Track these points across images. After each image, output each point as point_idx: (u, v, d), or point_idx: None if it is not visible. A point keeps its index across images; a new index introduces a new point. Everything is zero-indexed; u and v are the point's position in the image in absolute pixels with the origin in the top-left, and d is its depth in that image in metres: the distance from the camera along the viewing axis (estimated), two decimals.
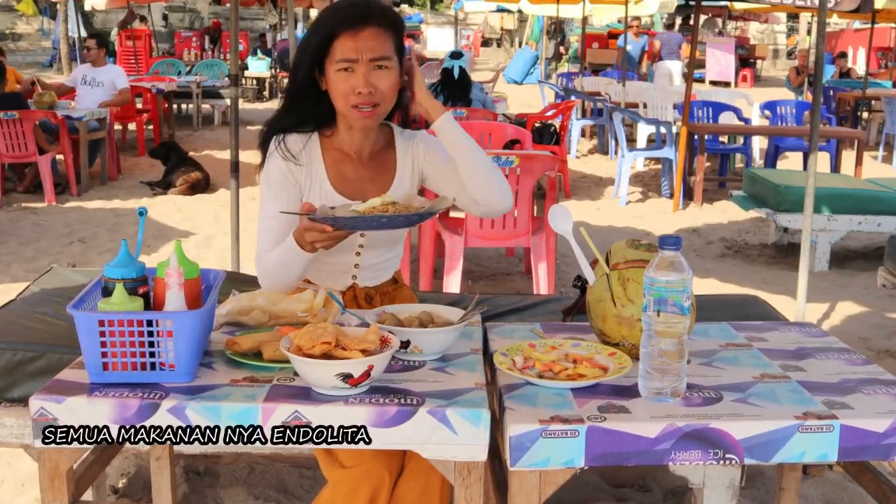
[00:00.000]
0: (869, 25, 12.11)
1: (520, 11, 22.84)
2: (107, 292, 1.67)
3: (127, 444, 2.32)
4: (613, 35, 21.06)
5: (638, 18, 16.63)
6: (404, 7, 30.37)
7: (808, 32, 21.68)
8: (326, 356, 1.57)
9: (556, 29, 18.56)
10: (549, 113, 8.59)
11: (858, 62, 19.63)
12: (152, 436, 1.56)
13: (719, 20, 25.82)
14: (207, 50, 16.51)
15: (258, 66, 15.63)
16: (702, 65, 20.61)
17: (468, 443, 1.53)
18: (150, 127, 10.28)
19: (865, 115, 12.42)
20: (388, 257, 2.22)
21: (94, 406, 1.55)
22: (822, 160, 5.93)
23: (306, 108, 2.11)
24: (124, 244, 1.74)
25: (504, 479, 1.66)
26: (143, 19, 16.96)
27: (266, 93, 16.05)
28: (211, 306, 1.73)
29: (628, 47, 13.91)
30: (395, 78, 2.05)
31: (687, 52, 15.66)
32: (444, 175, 2.15)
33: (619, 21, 19.32)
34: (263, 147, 2.15)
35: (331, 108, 2.10)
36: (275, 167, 2.10)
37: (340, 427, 1.54)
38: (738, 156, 9.21)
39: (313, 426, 1.54)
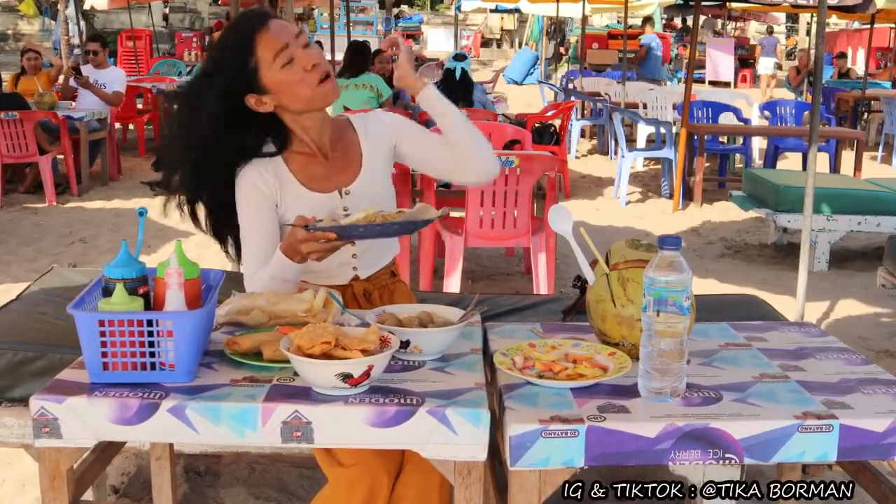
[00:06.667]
0: (868, 26, 12.11)
1: (519, 11, 22.84)
2: (107, 292, 1.67)
3: (127, 444, 2.34)
4: (613, 35, 21.05)
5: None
6: (404, 7, 30.35)
7: (808, 33, 21.72)
8: (326, 356, 1.57)
9: (556, 29, 18.56)
10: (549, 113, 8.59)
11: (858, 62, 19.64)
12: (152, 435, 1.56)
13: (718, 21, 25.82)
14: (207, 50, 16.49)
15: None
16: (701, 65, 20.61)
17: (468, 442, 1.53)
18: (151, 127, 10.28)
19: (865, 115, 12.42)
20: (384, 241, 2.22)
21: (94, 406, 1.55)
22: (821, 160, 5.93)
23: (250, 137, 2.06)
24: (124, 244, 1.74)
25: (504, 478, 1.66)
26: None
27: None
28: (211, 306, 1.74)
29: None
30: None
31: (779, 50, 19.02)
32: (426, 147, 2.18)
33: (618, 21, 19.29)
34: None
35: (272, 129, 2.08)
36: (245, 188, 2.08)
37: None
38: (738, 156, 9.21)
39: (313, 426, 1.54)
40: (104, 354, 1.60)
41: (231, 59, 1.99)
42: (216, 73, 2.00)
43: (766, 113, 9.60)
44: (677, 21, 26.91)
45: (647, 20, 14.94)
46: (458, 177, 2.24)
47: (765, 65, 19.83)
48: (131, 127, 10.40)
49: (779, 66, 20.29)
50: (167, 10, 23.27)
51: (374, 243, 2.19)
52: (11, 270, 5.38)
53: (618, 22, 20.44)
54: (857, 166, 8.00)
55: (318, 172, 2.12)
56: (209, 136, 2.01)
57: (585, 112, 11.82)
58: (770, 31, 24.31)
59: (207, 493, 2.74)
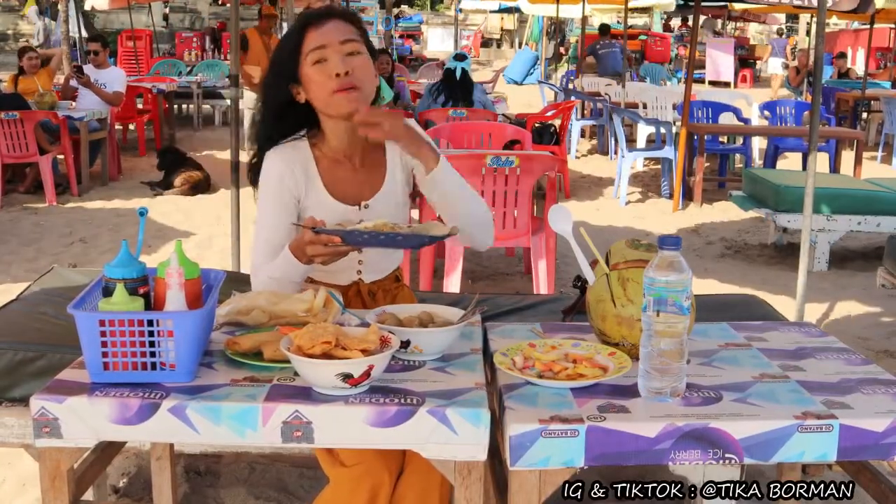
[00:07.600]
0: (868, 26, 12.11)
1: (519, 11, 22.83)
2: (107, 292, 1.67)
3: (127, 444, 2.34)
4: (613, 35, 21.04)
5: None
6: (404, 7, 30.34)
7: (808, 33, 21.77)
8: (326, 356, 1.57)
9: (556, 29, 18.56)
10: (549, 113, 8.59)
11: (858, 62, 19.65)
12: (153, 435, 1.56)
13: (718, 21, 25.83)
14: (208, 50, 16.50)
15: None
16: (701, 65, 20.63)
17: (468, 442, 1.53)
18: (151, 127, 10.29)
19: (865, 115, 12.42)
20: (390, 250, 2.23)
21: (94, 406, 1.56)
22: (821, 160, 5.93)
23: (285, 120, 2.12)
24: (125, 244, 1.74)
25: (504, 478, 1.67)
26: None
27: None
28: (211, 306, 1.74)
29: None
30: (371, 66, 2.07)
31: (787, 51, 20.26)
32: (430, 190, 2.14)
33: (618, 21, 19.28)
34: (255, 171, 2.16)
35: (310, 118, 2.12)
36: (270, 178, 2.10)
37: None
38: (738, 156, 9.21)
39: (314, 426, 1.54)
40: (104, 354, 1.60)
41: (285, 45, 2.09)
42: (278, 50, 2.12)
43: (766, 113, 9.60)
44: (675, 21, 26.97)
45: (602, 28, 15.15)
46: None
47: (774, 64, 20.80)
48: (131, 127, 10.40)
49: (785, 66, 21.01)
50: (167, 10, 23.28)
51: (379, 256, 2.20)
52: (11, 270, 5.38)
53: (617, 22, 20.40)
54: (857, 166, 8.00)
55: (344, 179, 2.13)
56: (270, 94, 2.13)
57: (585, 112, 11.83)
58: (780, 33, 25.45)
59: (207, 493, 2.74)
